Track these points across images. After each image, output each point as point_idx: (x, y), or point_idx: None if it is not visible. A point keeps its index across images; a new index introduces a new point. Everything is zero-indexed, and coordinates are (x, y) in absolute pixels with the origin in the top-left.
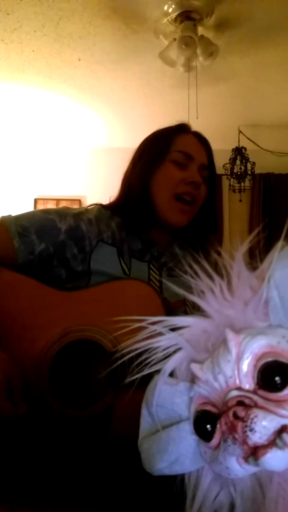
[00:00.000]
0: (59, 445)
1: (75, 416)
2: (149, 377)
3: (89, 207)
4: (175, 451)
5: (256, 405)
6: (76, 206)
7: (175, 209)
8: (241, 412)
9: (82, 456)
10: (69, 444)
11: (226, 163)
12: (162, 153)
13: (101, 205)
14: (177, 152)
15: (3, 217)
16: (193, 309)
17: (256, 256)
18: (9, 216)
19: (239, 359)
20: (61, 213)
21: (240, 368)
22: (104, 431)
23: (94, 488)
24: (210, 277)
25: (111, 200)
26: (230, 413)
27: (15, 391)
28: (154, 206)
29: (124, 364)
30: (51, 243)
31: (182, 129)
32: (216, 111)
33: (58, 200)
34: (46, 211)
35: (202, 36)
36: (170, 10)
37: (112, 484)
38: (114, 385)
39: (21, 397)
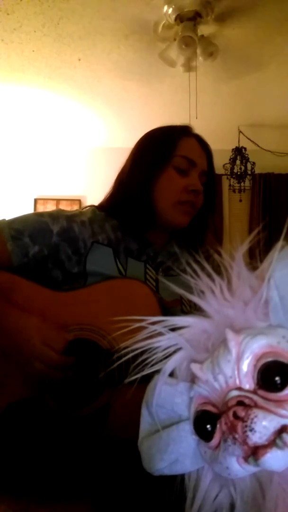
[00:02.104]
0: (57, 443)
1: (72, 415)
2: (148, 376)
3: (83, 209)
4: (175, 451)
5: (256, 405)
6: (76, 207)
7: (179, 212)
8: (241, 412)
9: (80, 454)
10: (66, 443)
11: (226, 163)
12: (165, 157)
13: (95, 206)
14: (180, 157)
15: None
16: (190, 308)
17: (256, 256)
18: (3, 220)
19: (239, 359)
20: (54, 216)
21: (240, 368)
22: (101, 429)
23: (92, 487)
24: (210, 277)
25: (105, 198)
26: (230, 413)
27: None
28: (155, 209)
29: (121, 363)
30: (44, 245)
31: (185, 131)
32: (216, 111)
33: (58, 200)
34: (40, 214)
35: (202, 36)
36: (170, 10)
37: (111, 483)
38: (111, 383)
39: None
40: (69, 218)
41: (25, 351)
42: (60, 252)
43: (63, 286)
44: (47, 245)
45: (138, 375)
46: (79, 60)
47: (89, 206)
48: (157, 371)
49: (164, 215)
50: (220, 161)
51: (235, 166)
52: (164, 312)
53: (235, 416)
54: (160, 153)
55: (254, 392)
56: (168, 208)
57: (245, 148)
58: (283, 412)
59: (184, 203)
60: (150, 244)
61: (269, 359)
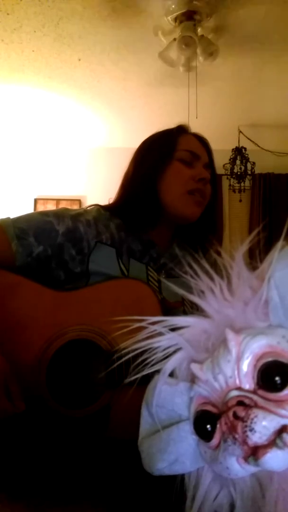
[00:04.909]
0: (58, 444)
1: (72, 416)
2: (148, 377)
3: (88, 208)
4: (175, 451)
5: (256, 405)
6: (76, 207)
7: (190, 202)
8: (241, 412)
9: (81, 455)
10: (67, 444)
11: (226, 163)
12: (169, 152)
13: (100, 206)
14: (184, 151)
15: (1, 219)
16: (192, 309)
17: (256, 256)
18: (8, 218)
19: (239, 359)
20: (59, 215)
21: (240, 368)
22: (101, 430)
23: (93, 488)
24: (210, 277)
25: (110, 202)
26: (230, 413)
27: (13, 390)
28: (162, 205)
29: (121, 364)
30: (49, 245)
31: (183, 129)
32: (216, 111)
33: (58, 200)
34: (44, 213)
35: (202, 36)
36: (170, 10)
37: (111, 484)
38: (112, 385)
39: (19, 396)
40: (74, 218)
41: None
42: (64, 252)
43: (65, 286)
44: (52, 245)
45: (138, 375)
46: (79, 60)
47: (93, 205)
48: (157, 371)
49: (174, 208)
50: (220, 161)
51: (235, 166)
52: (165, 312)
53: (235, 416)
54: (163, 150)
55: (254, 392)
56: (178, 200)
57: (245, 148)
58: (283, 412)
59: (194, 193)
60: (153, 245)
61: (269, 359)
